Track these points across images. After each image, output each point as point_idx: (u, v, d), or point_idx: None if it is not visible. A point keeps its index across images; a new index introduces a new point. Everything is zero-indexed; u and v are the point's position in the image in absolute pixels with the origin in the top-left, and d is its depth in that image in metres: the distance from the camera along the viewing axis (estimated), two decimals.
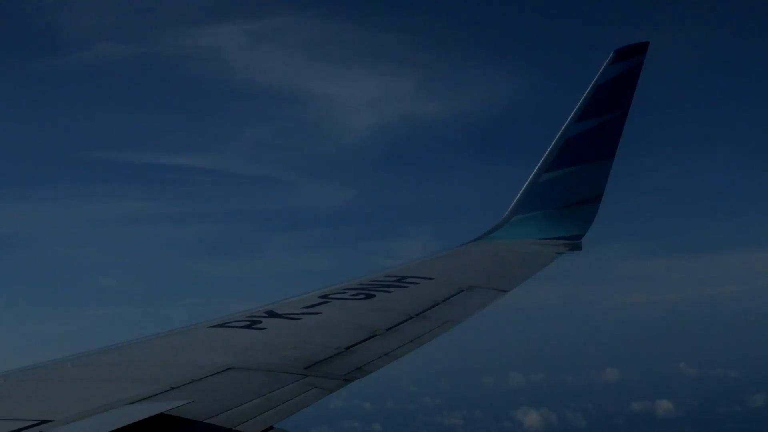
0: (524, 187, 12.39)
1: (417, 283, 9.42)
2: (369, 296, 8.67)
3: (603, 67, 12.00)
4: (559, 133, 12.17)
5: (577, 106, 12.10)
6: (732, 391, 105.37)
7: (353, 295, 8.75)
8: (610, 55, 12.01)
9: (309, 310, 8.03)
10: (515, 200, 12.45)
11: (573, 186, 12.02)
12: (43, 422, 4.60)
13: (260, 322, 7.57)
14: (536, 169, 12.24)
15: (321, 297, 8.62)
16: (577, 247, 11.71)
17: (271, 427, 5.19)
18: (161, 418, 4.74)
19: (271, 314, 7.89)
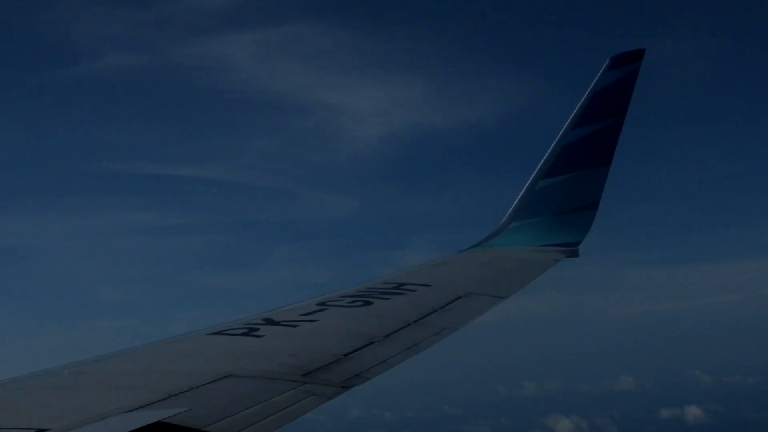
0: (521, 194, 12.42)
1: (414, 290, 9.42)
2: (366, 303, 8.67)
3: (599, 74, 12.05)
4: (556, 140, 12.21)
5: (574, 113, 12.14)
6: (756, 397, 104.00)
7: (351, 302, 8.75)
8: (607, 62, 12.06)
9: (307, 318, 8.03)
10: (512, 207, 12.46)
11: (570, 193, 12.04)
12: (41, 431, 4.60)
13: (258, 329, 7.56)
14: (533, 176, 12.26)
15: (319, 304, 8.62)
16: (575, 254, 11.72)
17: None
18: (159, 426, 4.75)
19: (269, 321, 7.88)
